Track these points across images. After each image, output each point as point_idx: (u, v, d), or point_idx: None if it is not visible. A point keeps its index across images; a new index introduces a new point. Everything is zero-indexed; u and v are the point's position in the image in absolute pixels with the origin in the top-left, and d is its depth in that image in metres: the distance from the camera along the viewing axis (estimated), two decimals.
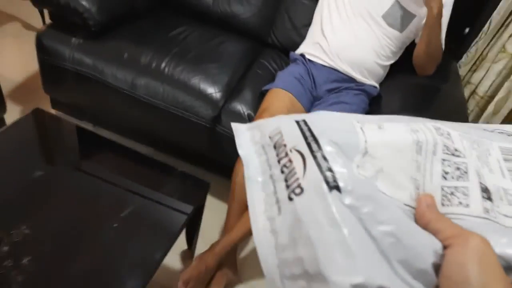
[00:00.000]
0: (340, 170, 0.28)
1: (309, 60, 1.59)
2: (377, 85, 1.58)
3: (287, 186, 0.30)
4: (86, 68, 1.55)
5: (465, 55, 1.87)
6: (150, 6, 1.84)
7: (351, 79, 1.53)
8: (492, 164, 0.33)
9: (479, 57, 1.84)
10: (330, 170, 0.28)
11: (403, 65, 1.62)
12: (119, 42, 1.60)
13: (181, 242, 1.39)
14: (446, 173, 0.31)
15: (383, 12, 1.51)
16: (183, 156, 1.75)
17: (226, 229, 1.37)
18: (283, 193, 0.30)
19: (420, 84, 1.58)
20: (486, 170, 0.33)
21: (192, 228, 1.33)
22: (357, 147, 0.31)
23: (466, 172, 0.32)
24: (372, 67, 1.53)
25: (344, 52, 1.51)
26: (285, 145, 0.32)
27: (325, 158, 0.29)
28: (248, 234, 1.32)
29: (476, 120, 1.94)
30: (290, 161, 0.31)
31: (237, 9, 1.84)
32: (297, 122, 0.33)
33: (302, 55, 1.61)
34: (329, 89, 1.52)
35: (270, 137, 0.34)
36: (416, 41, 1.56)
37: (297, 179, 0.29)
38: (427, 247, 0.27)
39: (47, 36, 1.56)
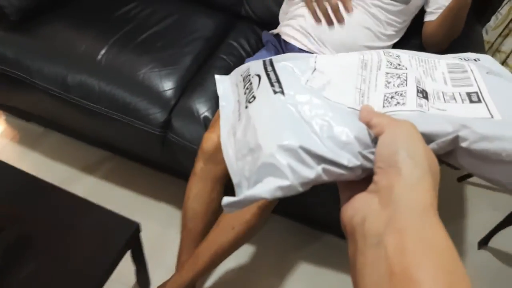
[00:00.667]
0: (285, 80, 0.38)
1: (284, 41, 1.23)
2: None
3: (246, 100, 0.38)
4: (9, 66, 1.26)
5: (493, 17, 1.45)
6: None
7: None
8: (437, 75, 0.40)
9: (511, 20, 1.42)
10: (277, 81, 0.38)
11: (407, 36, 1.25)
12: (50, 30, 1.29)
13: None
14: (389, 82, 0.38)
15: None
16: (143, 161, 1.49)
17: (177, 265, 1.11)
18: (242, 106, 0.39)
19: None
20: (429, 79, 0.40)
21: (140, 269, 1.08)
22: (307, 66, 0.40)
23: (405, 80, 0.38)
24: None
25: (329, 33, 1.14)
26: (249, 75, 0.40)
27: (275, 74, 0.38)
28: (203, 272, 1.07)
29: None
30: (250, 83, 0.39)
31: None
32: (263, 61, 0.41)
33: (277, 36, 1.26)
34: None
35: (241, 75, 0.42)
36: (427, 8, 1.18)
37: (252, 92, 0.38)
38: (353, 125, 0.34)
39: None
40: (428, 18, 1.18)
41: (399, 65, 0.40)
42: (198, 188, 1.07)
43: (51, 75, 1.24)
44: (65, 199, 0.95)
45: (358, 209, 0.30)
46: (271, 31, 1.32)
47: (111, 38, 1.29)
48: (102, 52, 1.25)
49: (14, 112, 1.59)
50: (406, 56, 0.41)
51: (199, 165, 1.07)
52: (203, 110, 1.20)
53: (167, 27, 1.38)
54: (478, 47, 1.32)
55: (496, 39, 1.47)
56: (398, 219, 0.26)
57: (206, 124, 1.17)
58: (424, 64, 0.41)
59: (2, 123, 1.64)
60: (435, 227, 0.26)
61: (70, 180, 1.47)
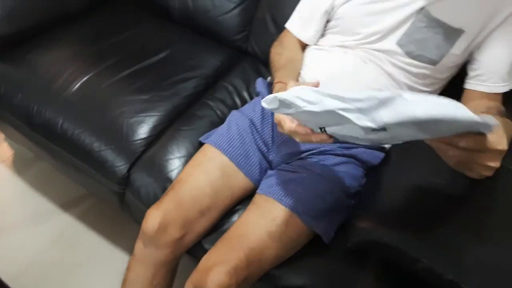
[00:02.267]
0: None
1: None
2: (386, 146, 0.93)
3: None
4: None
5: None
6: (89, 4, 1.38)
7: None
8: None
9: None
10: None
11: None
12: (31, 58, 1.18)
13: None
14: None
15: (398, 36, 0.85)
16: None
17: None
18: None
19: None
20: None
21: None
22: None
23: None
24: None
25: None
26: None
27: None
28: None
29: None
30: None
31: (203, 4, 1.29)
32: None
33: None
34: (291, 153, 0.92)
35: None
36: (470, 72, 0.86)
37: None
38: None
39: None
40: (468, 85, 0.86)
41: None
42: (136, 273, 0.88)
43: (20, 108, 1.13)
44: None
45: None
46: (268, 78, 1.09)
47: (91, 71, 1.15)
48: (76, 87, 1.11)
49: (9, 133, 1.53)
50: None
51: (139, 246, 0.88)
52: (169, 168, 1.00)
53: (159, 61, 1.21)
54: None
55: None
56: None
57: (163, 190, 0.96)
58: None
59: (1, 142, 1.60)
60: None
61: (46, 214, 1.36)
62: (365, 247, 0.75)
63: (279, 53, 0.95)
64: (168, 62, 1.21)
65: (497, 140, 0.55)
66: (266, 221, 0.80)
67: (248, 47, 1.30)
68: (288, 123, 0.68)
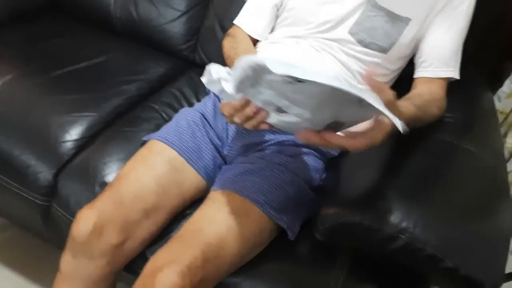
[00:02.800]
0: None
1: None
2: None
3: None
4: None
5: (507, 81, 1.14)
6: (23, 12, 1.26)
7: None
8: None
9: None
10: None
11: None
12: None
13: None
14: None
15: (350, 25, 0.85)
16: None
17: None
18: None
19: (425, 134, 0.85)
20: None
21: None
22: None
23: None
24: None
25: None
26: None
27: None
28: None
29: None
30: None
31: (148, 13, 1.23)
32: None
33: None
34: (247, 144, 0.84)
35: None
36: (415, 60, 0.88)
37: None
38: None
39: None
40: (415, 75, 0.87)
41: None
42: None
43: None
44: None
45: None
46: None
47: (14, 72, 1.01)
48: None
49: None
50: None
51: (66, 259, 0.71)
52: (106, 171, 0.86)
53: (96, 65, 1.11)
54: (487, 114, 0.99)
55: None
56: None
57: (87, 201, 0.79)
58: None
59: None
60: None
61: None
62: (336, 233, 0.67)
63: (234, 47, 0.90)
64: (107, 66, 1.11)
65: (379, 130, 0.53)
66: (224, 214, 0.69)
67: (196, 56, 1.24)
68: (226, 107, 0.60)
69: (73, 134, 0.91)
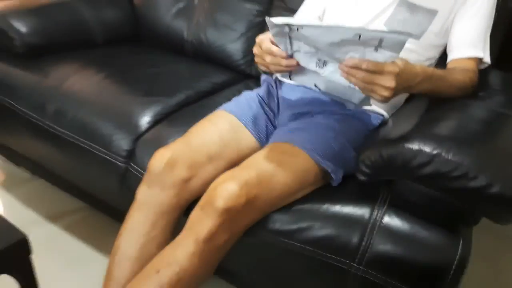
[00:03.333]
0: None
1: (279, 81, 1.09)
2: (383, 112, 0.99)
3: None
4: (3, 94, 1.25)
5: None
6: (114, 38, 1.56)
7: (337, 103, 0.97)
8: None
9: None
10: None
11: None
12: (50, 67, 1.28)
13: None
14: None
15: (385, 19, 1.00)
16: (115, 215, 1.26)
17: None
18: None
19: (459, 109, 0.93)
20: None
21: None
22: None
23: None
24: None
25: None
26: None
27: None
28: None
29: None
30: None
31: (214, 36, 1.47)
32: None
33: (276, 79, 1.13)
34: (297, 113, 0.97)
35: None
36: (448, 50, 0.99)
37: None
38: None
39: None
40: (447, 62, 0.97)
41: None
42: (134, 220, 0.82)
43: (34, 102, 1.18)
44: None
45: None
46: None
47: (106, 71, 1.25)
48: (89, 83, 1.19)
49: (6, 154, 1.53)
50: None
51: (142, 189, 0.84)
52: (174, 138, 1.00)
53: (168, 71, 1.33)
54: None
55: None
56: None
57: None
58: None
59: None
60: None
61: (28, 224, 1.28)
62: (378, 169, 0.74)
63: None
64: (178, 72, 1.33)
65: (391, 65, 0.65)
66: (275, 153, 0.80)
67: (252, 70, 1.44)
68: (266, 43, 0.76)
69: (149, 112, 1.09)
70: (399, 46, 0.67)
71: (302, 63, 0.76)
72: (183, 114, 1.11)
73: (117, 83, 1.20)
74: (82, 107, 1.12)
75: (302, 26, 0.67)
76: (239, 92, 1.26)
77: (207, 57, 1.48)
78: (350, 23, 0.68)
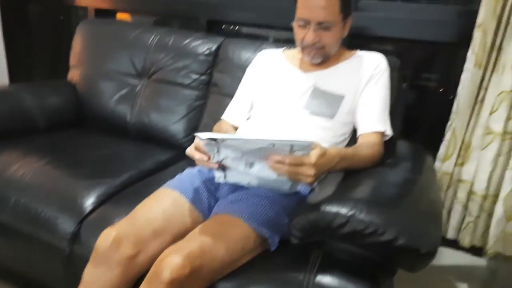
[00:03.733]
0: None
1: None
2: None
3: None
4: None
5: (442, 145, 1.43)
6: (58, 124, 1.62)
7: None
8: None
9: (461, 145, 1.40)
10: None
11: None
12: None
13: None
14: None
15: (303, 102, 1.19)
16: None
17: None
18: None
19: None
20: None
21: None
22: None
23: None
24: None
25: None
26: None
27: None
28: None
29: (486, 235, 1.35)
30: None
31: (156, 119, 1.58)
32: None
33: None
34: (236, 187, 1.07)
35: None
36: (356, 127, 1.19)
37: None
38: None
39: None
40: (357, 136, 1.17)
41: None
42: None
43: None
44: None
45: None
46: None
47: (47, 157, 1.29)
48: (32, 169, 1.21)
49: None
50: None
51: (89, 270, 0.86)
52: (119, 219, 1.05)
53: (113, 153, 1.40)
54: (429, 176, 1.22)
55: (454, 168, 1.41)
56: None
57: None
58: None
59: None
60: None
61: None
62: (306, 231, 0.84)
63: (217, 130, 1.22)
64: (122, 154, 1.40)
65: (308, 157, 0.82)
66: (216, 225, 0.88)
67: None
68: (189, 151, 0.93)
69: (93, 193, 1.13)
70: (308, 147, 0.82)
71: (233, 167, 0.87)
72: (127, 193, 1.17)
73: (61, 168, 1.23)
74: (25, 192, 1.13)
75: (224, 140, 0.82)
76: (182, 169, 1.36)
77: (150, 137, 1.58)
78: (265, 134, 0.86)
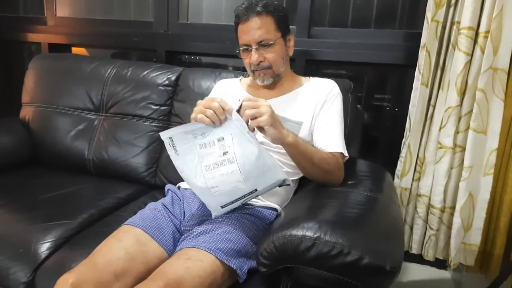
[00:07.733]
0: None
1: (184, 188, 1.18)
2: (277, 206, 1.13)
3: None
4: None
5: (399, 162, 1.49)
6: (10, 164, 1.54)
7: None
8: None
9: (417, 161, 1.45)
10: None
11: None
12: None
13: None
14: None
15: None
16: None
17: None
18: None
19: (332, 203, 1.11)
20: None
21: None
22: None
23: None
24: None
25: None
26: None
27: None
28: None
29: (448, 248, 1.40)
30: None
31: (116, 153, 1.54)
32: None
33: (178, 187, 1.22)
34: (201, 220, 1.05)
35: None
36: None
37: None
38: None
39: None
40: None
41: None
42: None
43: None
44: None
45: None
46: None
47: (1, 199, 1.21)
48: None
49: None
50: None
51: None
52: (78, 263, 0.99)
53: (71, 192, 1.35)
54: (389, 193, 1.25)
55: (412, 183, 1.46)
56: None
57: None
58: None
59: None
60: None
61: None
62: (273, 258, 0.83)
63: None
64: (81, 193, 1.35)
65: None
66: (182, 260, 0.85)
67: (157, 180, 1.51)
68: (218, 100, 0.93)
69: (49, 237, 1.07)
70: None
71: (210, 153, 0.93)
72: (86, 234, 1.11)
73: (14, 211, 1.16)
74: None
75: (194, 130, 0.92)
76: (144, 204, 1.31)
77: (110, 173, 1.53)
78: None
